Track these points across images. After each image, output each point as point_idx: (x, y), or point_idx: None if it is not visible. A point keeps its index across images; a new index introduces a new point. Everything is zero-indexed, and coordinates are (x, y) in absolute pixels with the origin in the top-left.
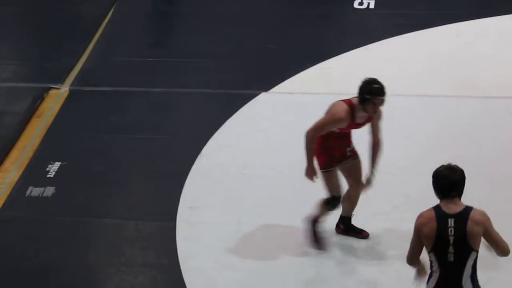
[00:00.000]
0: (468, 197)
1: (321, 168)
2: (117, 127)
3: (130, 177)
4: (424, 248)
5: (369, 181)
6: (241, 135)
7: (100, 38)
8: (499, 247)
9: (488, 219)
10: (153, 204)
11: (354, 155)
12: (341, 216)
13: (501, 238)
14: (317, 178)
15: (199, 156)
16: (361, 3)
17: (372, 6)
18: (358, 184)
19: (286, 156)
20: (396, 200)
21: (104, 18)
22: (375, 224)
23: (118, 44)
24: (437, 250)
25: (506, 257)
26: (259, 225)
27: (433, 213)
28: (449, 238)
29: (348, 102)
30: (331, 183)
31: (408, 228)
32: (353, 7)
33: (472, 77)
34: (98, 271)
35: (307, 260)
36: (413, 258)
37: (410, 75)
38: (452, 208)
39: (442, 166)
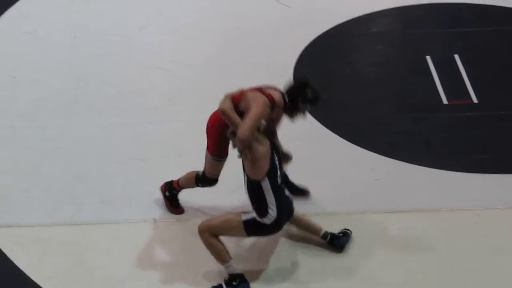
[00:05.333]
0: None
1: (212, 154)
2: None
3: None
4: None
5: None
6: (6, 38)
7: None
8: None
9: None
10: None
11: None
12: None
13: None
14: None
15: None
16: None
17: None
18: None
19: (56, 57)
20: (169, 94)
21: None
22: (150, 118)
23: None
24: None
25: None
26: (34, 128)
27: None
28: None
29: (268, 95)
30: (215, 169)
31: (183, 120)
32: None
33: None
34: None
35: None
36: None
37: None
38: None
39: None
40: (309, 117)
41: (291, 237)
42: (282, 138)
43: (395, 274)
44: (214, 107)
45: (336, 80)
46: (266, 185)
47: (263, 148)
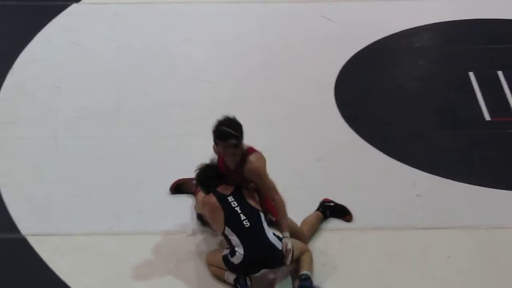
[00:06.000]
0: None
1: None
2: None
3: None
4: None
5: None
6: (53, 48)
7: None
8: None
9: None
10: None
11: None
12: None
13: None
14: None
15: (10, 71)
16: None
17: None
18: None
19: (100, 67)
20: (210, 106)
21: None
22: (191, 130)
23: None
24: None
25: None
26: (76, 138)
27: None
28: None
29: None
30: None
31: None
32: None
33: None
34: None
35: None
36: None
37: None
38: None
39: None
40: (350, 131)
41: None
42: (323, 153)
43: None
44: (255, 120)
45: (377, 95)
46: (228, 231)
47: (204, 210)
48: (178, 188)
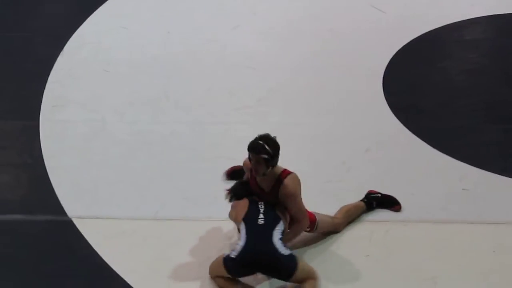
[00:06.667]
0: None
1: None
2: None
3: None
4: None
5: None
6: (103, 32)
7: None
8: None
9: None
10: (15, 103)
11: None
12: None
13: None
14: None
15: (61, 54)
16: None
17: None
18: None
19: (149, 53)
20: (259, 94)
21: None
22: (239, 118)
23: None
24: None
25: None
26: (124, 123)
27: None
28: None
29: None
30: None
31: (273, 121)
32: None
33: None
34: None
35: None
36: None
37: None
38: None
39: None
40: (397, 123)
41: None
42: (370, 145)
43: (477, 286)
44: (303, 109)
45: (426, 87)
46: (242, 226)
47: (233, 213)
48: (233, 174)
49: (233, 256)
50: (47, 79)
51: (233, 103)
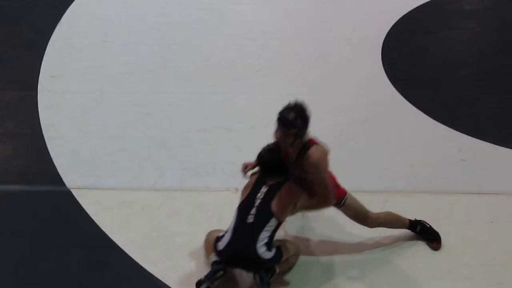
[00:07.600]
0: None
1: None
2: None
3: None
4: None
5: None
6: (101, 2)
7: None
8: None
9: None
10: (13, 73)
11: None
12: None
13: None
14: None
15: (58, 24)
16: None
17: None
18: None
19: (148, 23)
20: (257, 65)
21: None
22: (238, 88)
23: None
24: None
25: None
26: (122, 93)
27: None
28: None
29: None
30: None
31: (271, 91)
32: None
33: None
34: None
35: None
36: None
37: None
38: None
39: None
40: (396, 93)
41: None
42: (368, 115)
43: (476, 256)
44: (302, 79)
45: (425, 57)
46: (236, 212)
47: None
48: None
49: (219, 249)
50: (45, 49)
51: (232, 74)
